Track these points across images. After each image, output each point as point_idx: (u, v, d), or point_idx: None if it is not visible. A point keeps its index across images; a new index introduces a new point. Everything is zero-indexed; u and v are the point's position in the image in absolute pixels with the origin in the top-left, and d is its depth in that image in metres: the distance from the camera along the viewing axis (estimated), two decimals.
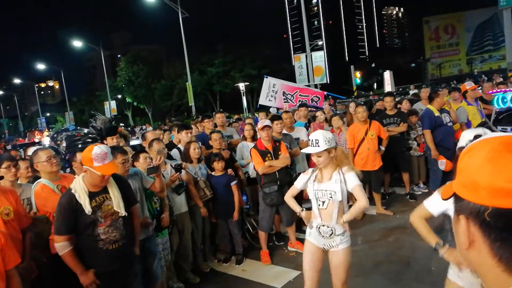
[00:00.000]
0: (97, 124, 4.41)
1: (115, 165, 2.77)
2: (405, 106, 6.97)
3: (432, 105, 5.82)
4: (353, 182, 2.77)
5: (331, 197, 2.78)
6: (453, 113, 5.85)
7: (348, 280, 2.91)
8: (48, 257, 3.06)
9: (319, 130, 2.96)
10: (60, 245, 2.66)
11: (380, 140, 5.61)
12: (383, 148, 5.62)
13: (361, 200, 2.78)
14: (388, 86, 16.74)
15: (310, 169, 3.05)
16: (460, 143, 2.18)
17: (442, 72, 45.86)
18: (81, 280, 2.66)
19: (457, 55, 46.67)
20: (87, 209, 2.65)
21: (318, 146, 2.75)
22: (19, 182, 3.60)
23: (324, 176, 2.85)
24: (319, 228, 2.85)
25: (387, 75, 17.19)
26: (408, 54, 62.35)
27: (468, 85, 6.31)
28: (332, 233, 2.80)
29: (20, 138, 27.11)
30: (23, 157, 5.14)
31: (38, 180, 3.29)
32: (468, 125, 5.88)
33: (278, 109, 11.20)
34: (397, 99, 7.24)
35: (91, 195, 2.71)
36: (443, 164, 5.33)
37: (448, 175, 5.08)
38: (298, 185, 3.06)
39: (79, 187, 2.70)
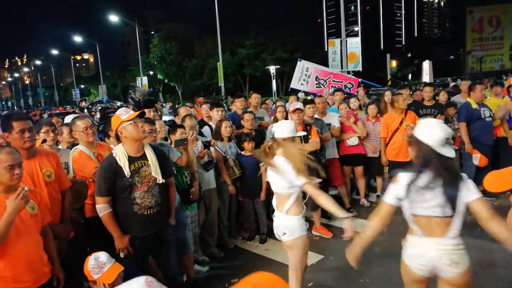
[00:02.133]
0: (136, 96, 4.50)
1: (137, 112, 2.93)
2: (442, 98, 6.73)
3: (472, 98, 5.60)
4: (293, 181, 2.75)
5: (277, 189, 2.89)
6: (503, 109, 5.54)
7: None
8: (84, 220, 3.19)
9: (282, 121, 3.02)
10: (101, 207, 2.78)
11: None
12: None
13: (320, 198, 2.72)
14: (426, 77, 16.12)
15: None
16: None
17: (482, 66, 43.72)
18: (116, 243, 2.77)
19: (500, 49, 44.33)
20: (126, 171, 2.76)
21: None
22: (59, 147, 3.75)
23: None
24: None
25: (426, 65, 16.54)
26: (447, 45, 59.74)
27: None
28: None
29: (60, 107, 28.09)
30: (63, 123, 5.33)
31: (76, 146, 3.41)
32: (509, 121, 5.62)
33: (306, 93, 11.05)
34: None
35: (131, 160, 2.81)
36: (477, 159, 5.14)
37: (482, 171, 4.90)
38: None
39: (120, 151, 2.82)
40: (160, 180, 2.88)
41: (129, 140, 2.82)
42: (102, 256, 2.32)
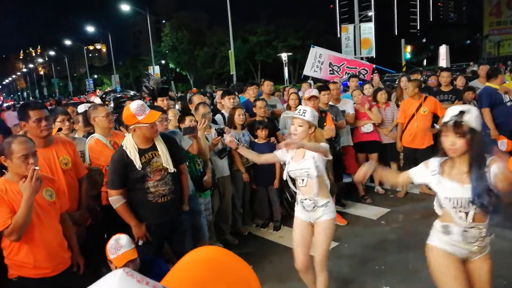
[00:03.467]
0: (150, 84, 4.50)
1: (156, 112, 2.83)
2: (460, 83, 6.57)
3: (492, 83, 5.45)
4: (320, 170, 2.77)
5: (308, 175, 2.78)
6: None
7: (326, 252, 2.87)
8: (100, 207, 3.24)
9: (309, 107, 2.98)
10: (114, 199, 2.81)
11: (436, 118, 5.27)
12: (437, 127, 5.32)
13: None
14: (443, 62, 15.70)
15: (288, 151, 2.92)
16: (445, 119, 2.09)
17: (500, 50, 42.49)
18: (134, 231, 2.80)
19: None
20: (137, 164, 2.76)
21: (304, 116, 2.79)
22: (75, 135, 3.79)
23: (300, 154, 2.84)
24: (302, 202, 2.88)
25: (443, 49, 16.07)
26: (463, 29, 58.15)
27: None
28: (314, 205, 2.81)
29: (75, 97, 28.41)
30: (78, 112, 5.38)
31: (92, 135, 3.44)
32: None
33: (315, 80, 10.91)
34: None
35: (141, 152, 2.81)
36: (504, 144, 4.99)
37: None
38: (277, 154, 3.01)
39: (130, 144, 2.81)
40: (172, 169, 2.88)
41: (141, 137, 2.82)
42: (122, 238, 2.35)
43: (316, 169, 2.74)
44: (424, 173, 2.25)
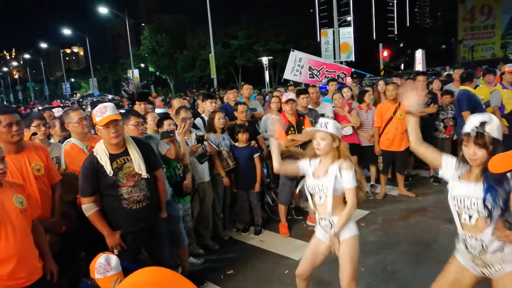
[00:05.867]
0: (130, 88, 4.44)
1: (113, 115, 2.68)
2: (435, 87, 6.73)
3: (466, 86, 5.61)
4: (347, 183, 2.60)
5: (325, 193, 2.64)
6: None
7: (355, 273, 2.65)
8: (76, 214, 3.15)
9: (330, 118, 2.84)
10: (86, 207, 2.73)
11: None
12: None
13: (349, 205, 2.63)
14: (419, 66, 16.14)
15: (312, 160, 2.79)
16: (466, 129, 2.06)
17: (474, 55, 43.84)
18: (107, 241, 2.72)
19: (492, 38, 44.42)
20: (108, 169, 2.70)
21: (326, 128, 2.61)
22: (51, 141, 3.69)
23: (322, 170, 2.69)
24: (319, 222, 2.75)
25: (419, 54, 16.52)
26: (439, 34, 59.72)
27: (509, 67, 5.99)
28: (331, 225, 2.66)
29: (57, 101, 27.72)
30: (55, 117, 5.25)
31: (68, 140, 3.36)
32: (501, 109, 5.63)
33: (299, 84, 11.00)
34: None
35: (112, 157, 2.74)
36: None
37: None
38: (301, 165, 2.82)
39: (100, 149, 2.75)
40: (145, 175, 2.80)
41: (103, 136, 2.73)
42: (113, 260, 2.23)
43: (333, 188, 2.60)
44: (450, 170, 2.20)
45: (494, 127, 1.99)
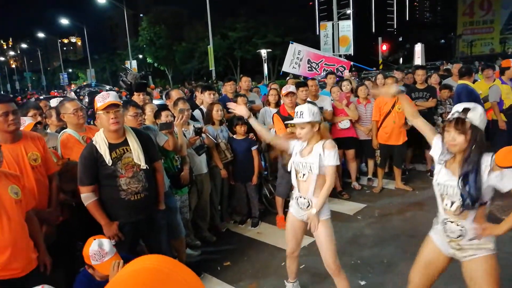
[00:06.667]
0: (128, 79, 4.40)
1: (114, 101, 2.68)
2: (433, 81, 6.72)
3: (464, 80, 5.60)
4: (329, 161, 2.71)
5: (310, 170, 2.75)
6: None
7: (336, 250, 2.82)
8: (76, 203, 3.13)
9: (305, 104, 2.91)
10: (85, 196, 2.72)
11: None
12: (410, 123, 5.45)
13: (328, 183, 2.75)
14: (418, 60, 16.12)
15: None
16: (449, 115, 2.11)
17: (473, 50, 43.81)
18: (104, 231, 2.72)
19: (491, 33, 44.37)
20: (107, 159, 2.69)
21: (302, 117, 2.71)
22: (47, 131, 3.67)
23: (307, 149, 2.80)
24: (297, 199, 2.86)
25: (418, 48, 16.49)
26: (438, 29, 59.56)
27: None
28: (309, 204, 2.78)
29: (55, 91, 27.37)
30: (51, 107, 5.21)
31: (64, 130, 3.34)
32: (500, 104, 5.63)
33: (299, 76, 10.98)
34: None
35: (111, 147, 2.73)
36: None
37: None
38: (291, 144, 2.94)
39: (100, 139, 2.74)
40: (144, 166, 2.79)
41: (102, 123, 2.72)
42: (106, 244, 2.24)
43: (318, 167, 2.71)
44: (436, 151, 2.24)
45: (477, 115, 2.02)
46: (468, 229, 2.12)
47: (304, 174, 2.80)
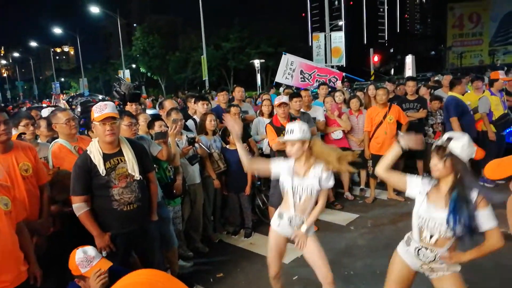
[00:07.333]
0: (121, 89, 4.40)
1: (111, 113, 2.67)
2: (423, 92, 6.82)
3: (454, 92, 5.68)
4: (325, 184, 2.74)
5: (311, 193, 2.75)
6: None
7: (330, 262, 2.83)
8: (70, 213, 3.09)
9: (296, 121, 2.92)
10: (77, 206, 2.69)
11: (399, 125, 5.48)
12: (401, 134, 5.49)
13: (321, 203, 2.80)
14: (409, 71, 16.35)
15: (288, 160, 2.86)
16: (438, 142, 2.20)
17: (462, 61, 44.56)
18: (96, 242, 2.69)
19: (480, 45, 45.20)
20: (101, 169, 2.67)
21: (293, 134, 2.71)
22: (38, 141, 3.64)
23: (302, 170, 2.77)
24: (290, 219, 2.81)
25: (409, 59, 16.74)
26: (428, 41, 60.67)
27: (502, 75, 6.08)
28: (302, 222, 2.80)
29: (47, 100, 27.03)
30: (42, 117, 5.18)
31: (56, 140, 3.31)
32: (489, 115, 5.73)
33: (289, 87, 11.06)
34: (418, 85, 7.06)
35: (106, 157, 2.72)
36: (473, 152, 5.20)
37: (477, 164, 4.95)
38: (273, 167, 2.85)
39: (94, 148, 2.72)
40: (137, 176, 2.78)
41: (98, 133, 2.71)
42: (90, 250, 2.25)
43: (317, 189, 2.73)
44: (417, 189, 2.29)
45: (459, 145, 2.08)
46: (441, 254, 2.19)
47: (301, 196, 2.76)
